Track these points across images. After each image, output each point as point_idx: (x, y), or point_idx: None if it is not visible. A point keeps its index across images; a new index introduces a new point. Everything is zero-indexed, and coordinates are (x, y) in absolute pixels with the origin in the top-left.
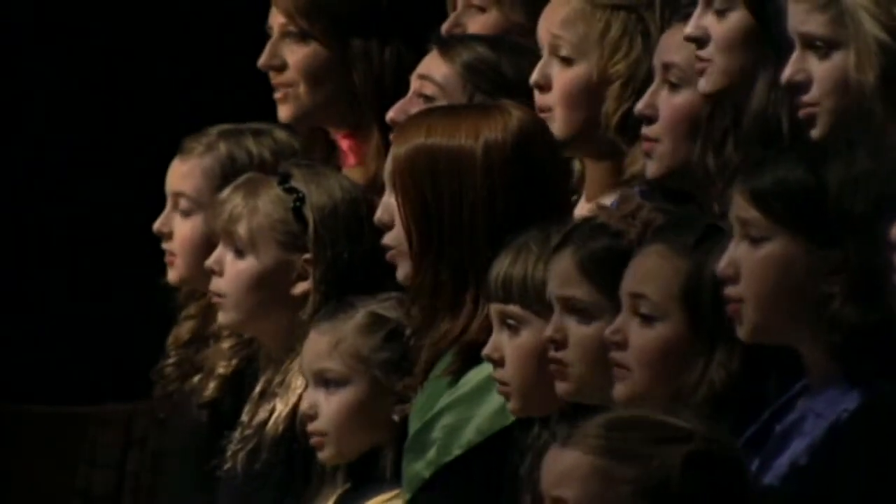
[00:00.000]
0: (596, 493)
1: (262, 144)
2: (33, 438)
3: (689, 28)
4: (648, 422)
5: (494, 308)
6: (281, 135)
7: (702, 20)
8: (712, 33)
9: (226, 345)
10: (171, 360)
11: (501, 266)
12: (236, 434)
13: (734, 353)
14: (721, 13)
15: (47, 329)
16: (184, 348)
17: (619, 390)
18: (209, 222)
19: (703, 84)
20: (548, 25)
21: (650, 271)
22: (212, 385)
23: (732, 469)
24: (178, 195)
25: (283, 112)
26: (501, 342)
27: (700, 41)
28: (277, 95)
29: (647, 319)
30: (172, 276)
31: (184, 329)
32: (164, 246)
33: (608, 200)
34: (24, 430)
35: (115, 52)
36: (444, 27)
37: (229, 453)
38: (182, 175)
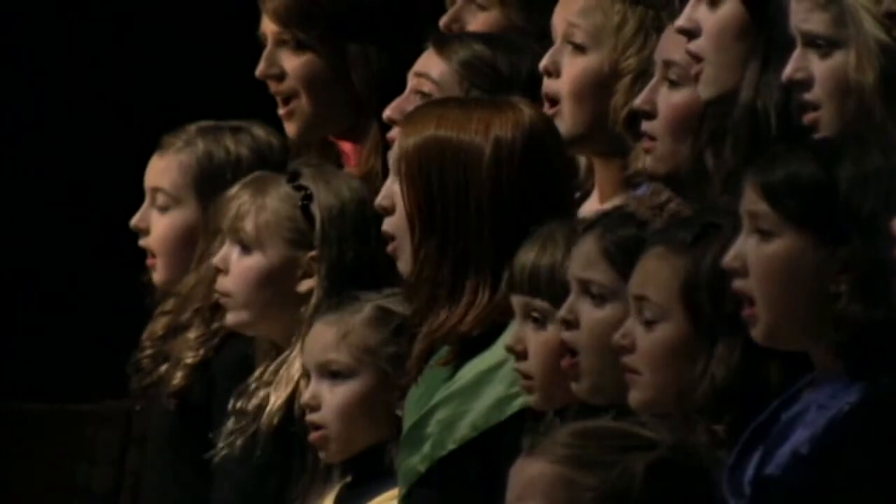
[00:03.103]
0: (559, 503)
1: (240, 142)
2: (32, 436)
3: (681, 20)
4: (614, 431)
5: (518, 300)
6: (260, 132)
7: (695, 12)
8: (704, 26)
9: (192, 335)
10: (145, 353)
11: (527, 257)
12: (230, 423)
13: (734, 347)
14: (713, 4)
15: (47, 327)
16: (159, 341)
17: (634, 396)
18: (215, 219)
19: (702, 90)
20: (564, 14)
21: (650, 273)
22: (179, 374)
23: (697, 478)
24: (155, 190)
25: (291, 128)
26: (525, 334)
27: (691, 33)
28: (281, 112)
29: (651, 321)
30: (156, 278)
31: (158, 325)
32: (141, 242)
33: (624, 197)
34: (23, 428)
35: (107, 49)
36: (443, 21)
37: (223, 441)
38: (159, 170)
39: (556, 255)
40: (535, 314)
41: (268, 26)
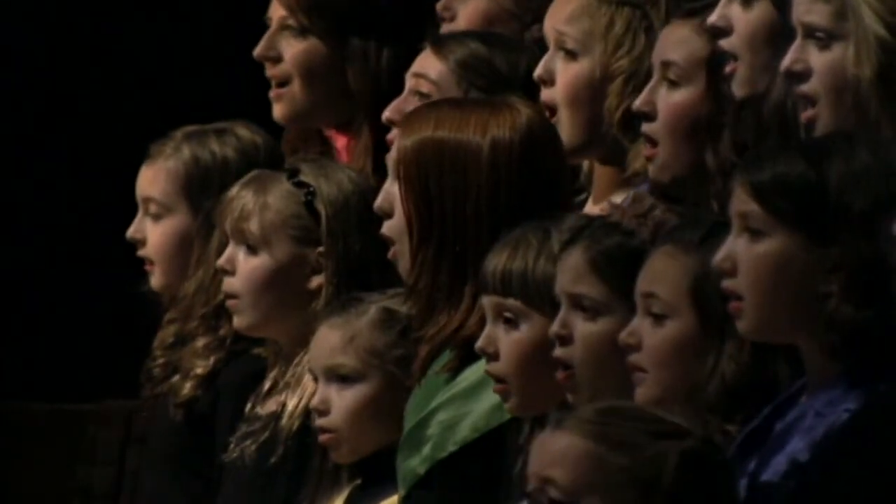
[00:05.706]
0: (587, 478)
1: (225, 143)
2: (33, 436)
3: (714, 17)
4: (644, 415)
5: (490, 301)
6: (244, 132)
7: (727, 10)
8: (737, 25)
9: (200, 343)
10: (157, 362)
11: (499, 259)
12: (244, 427)
13: (744, 345)
14: (747, 4)
15: (47, 326)
16: (170, 350)
17: (640, 393)
18: (218, 221)
19: (736, 89)
20: (553, 22)
21: (659, 271)
22: (188, 385)
23: (724, 473)
24: (147, 200)
25: (278, 111)
26: (496, 335)
27: (723, 31)
28: (272, 94)
29: (659, 318)
30: (154, 283)
31: (168, 332)
32: (139, 253)
33: (617, 200)
34: (24, 428)
35: (98, 50)
36: (438, 6)
37: (234, 444)
38: (149, 180)
39: (528, 257)
40: (507, 314)
41: (275, 10)
